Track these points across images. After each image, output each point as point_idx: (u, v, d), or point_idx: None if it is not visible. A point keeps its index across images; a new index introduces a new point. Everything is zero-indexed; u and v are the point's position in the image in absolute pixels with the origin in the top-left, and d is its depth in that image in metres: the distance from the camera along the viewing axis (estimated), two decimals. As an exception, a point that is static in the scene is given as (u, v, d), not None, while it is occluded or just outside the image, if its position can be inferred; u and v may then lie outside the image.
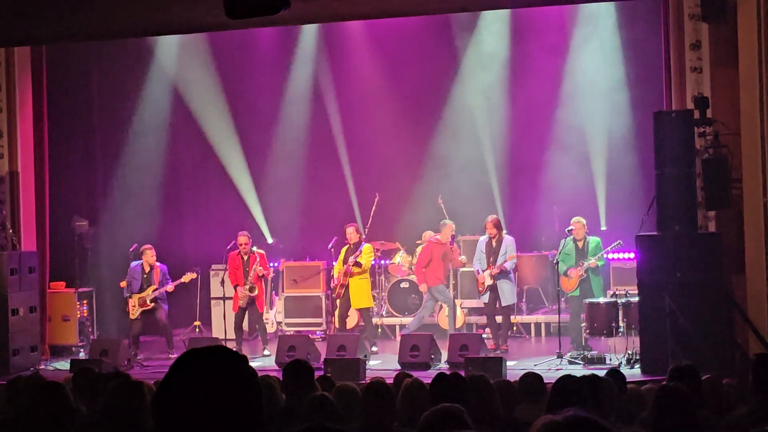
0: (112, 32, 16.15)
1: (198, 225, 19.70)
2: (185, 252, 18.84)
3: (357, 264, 16.16)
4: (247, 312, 16.49)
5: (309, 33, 19.46)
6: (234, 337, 16.27)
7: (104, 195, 19.43)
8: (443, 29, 19.04)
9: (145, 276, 16.41)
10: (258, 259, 16.29)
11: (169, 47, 19.41)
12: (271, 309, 18.11)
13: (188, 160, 20.06)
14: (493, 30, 18.94)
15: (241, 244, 16.31)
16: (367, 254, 16.26)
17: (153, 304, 16.29)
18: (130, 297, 16.38)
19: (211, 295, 17.88)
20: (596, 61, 18.35)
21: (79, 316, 17.19)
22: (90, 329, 17.40)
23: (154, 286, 16.31)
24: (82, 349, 16.86)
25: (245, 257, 16.32)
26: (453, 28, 19.05)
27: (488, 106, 18.97)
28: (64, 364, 15.35)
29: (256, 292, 16.25)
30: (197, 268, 16.73)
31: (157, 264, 16.48)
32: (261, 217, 19.45)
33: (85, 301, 17.43)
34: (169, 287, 16.33)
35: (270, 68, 19.74)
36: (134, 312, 16.32)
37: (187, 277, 16.47)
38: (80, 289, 17.35)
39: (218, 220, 19.35)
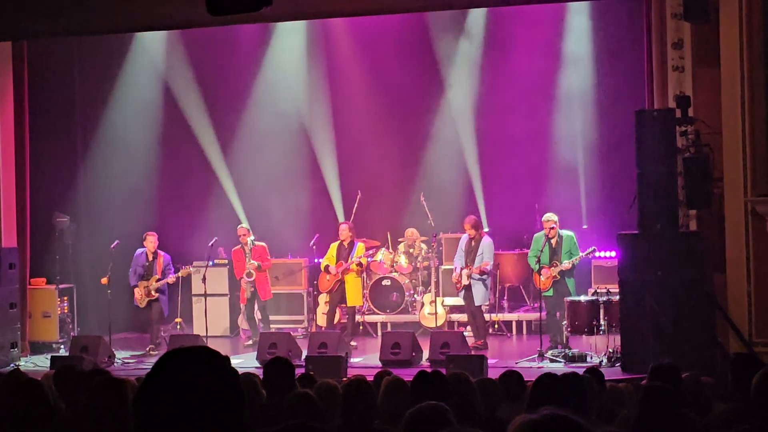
0: (94, 29, 16.12)
1: (180, 222, 19.63)
2: (167, 249, 18.74)
3: (360, 264, 16.59)
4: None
5: (292, 29, 19.42)
6: (223, 332, 16.30)
7: (85, 191, 19.35)
8: (427, 27, 19.00)
9: (147, 264, 16.51)
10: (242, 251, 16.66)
11: (151, 43, 19.36)
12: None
13: (170, 158, 19.98)
14: (476, 29, 18.94)
15: (239, 236, 16.97)
16: (363, 252, 16.70)
17: (157, 294, 16.42)
18: (137, 286, 16.50)
19: (193, 292, 17.82)
20: (579, 60, 18.37)
21: (59, 312, 17.12)
22: (71, 326, 17.33)
23: (157, 276, 16.37)
24: (62, 346, 16.79)
25: (247, 249, 16.82)
26: (437, 26, 19.02)
27: (471, 104, 18.96)
28: (44, 361, 15.29)
29: (254, 277, 16.69)
30: (188, 266, 16.87)
31: (161, 252, 16.63)
32: (242, 214, 19.40)
33: (65, 298, 17.36)
34: (170, 279, 16.44)
35: (251, 65, 19.69)
36: (142, 302, 16.49)
37: (184, 272, 16.67)
38: (61, 286, 17.28)
39: (200, 218, 19.30)
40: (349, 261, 16.50)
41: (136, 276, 16.57)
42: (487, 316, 16.76)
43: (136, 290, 16.55)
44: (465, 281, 15.94)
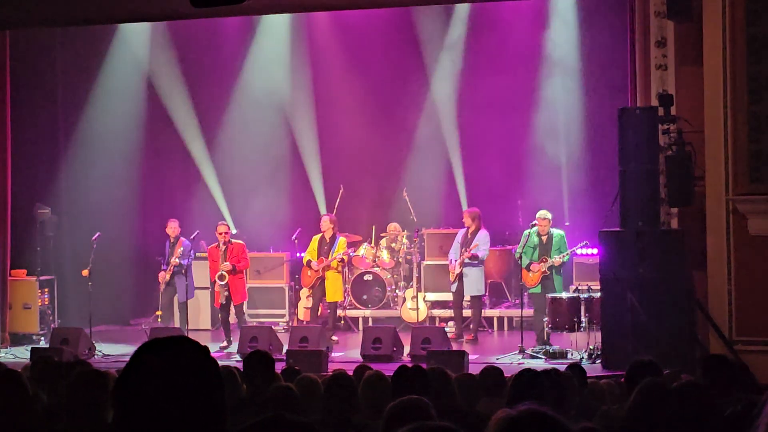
0: (77, 19, 16.06)
1: (162, 214, 19.54)
2: (148, 241, 18.76)
3: (341, 260, 16.49)
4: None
5: (276, 23, 19.37)
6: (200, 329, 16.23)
7: (67, 183, 19.24)
8: (411, 20, 18.98)
9: (169, 250, 16.60)
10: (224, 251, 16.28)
11: (135, 34, 19.24)
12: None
13: (152, 150, 19.90)
14: (460, 23, 18.93)
15: (220, 233, 16.29)
16: (344, 248, 16.50)
17: (169, 278, 16.49)
18: (163, 271, 16.62)
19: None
20: (562, 57, 18.37)
21: (40, 304, 17.06)
22: (51, 318, 17.27)
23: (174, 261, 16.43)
24: (42, 338, 16.74)
25: (223, 248, 16.24)
26: (422, 19, 19.00)
27: (455, 99, 18.96)
28: (24, 353, 15.23)
29: (226, 281, 16.13)
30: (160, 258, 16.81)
31: (182, 239, 16.57)
32: (225, 207, 19.36)
33: (46, 290, 17.29)
34: (174, 261, 16.38)
35: (235, 58, 19.64)
36: (162, 285, 16.55)
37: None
38: (41, 277, 17.21)
39: (182, 210, 19.21)
40: (330, 258, 16.39)
41: (164, 262, 16.70)
42: (469, 312, 16.73)
43: (159, 274, 16.63)
44: (457, 270, 16.05)
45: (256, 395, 7.30)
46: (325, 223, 16.56)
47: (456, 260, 16.20)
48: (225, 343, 16.03)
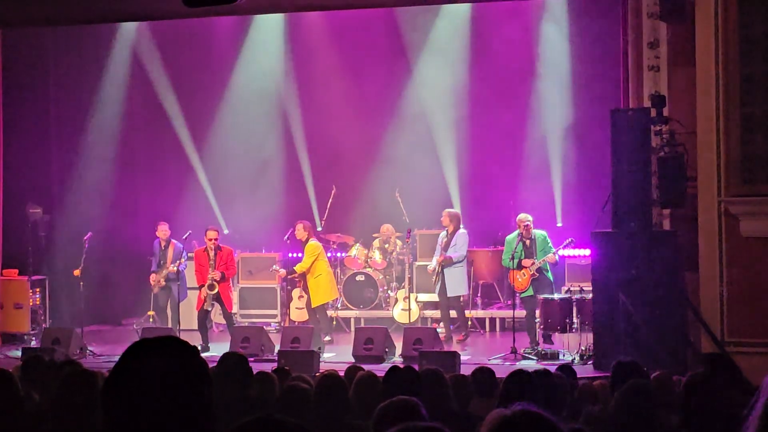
0: (69, 18, 16.04)
1: (154, 214, 19.53)
2: (140, 241, 18.70)
3: (292, 271, 16.39)
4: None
5: (267, 23, 19.37)
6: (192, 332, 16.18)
7: (59, 182, 19.22)
8: (401, 21, 18.99)
9: (160, 253, 16.61)
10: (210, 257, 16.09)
11: (127, 34, 19.24)
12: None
13: (145, 149, 19.91)
14: (451, 23, 18.93)
15: (210, 239, 15.87)
16: (307, 255, 16.14)
17: (166, 282, 16.51)
18: (154, 272, 16.62)
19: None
20: (554, 58, 18.40)
21: (31, 304, 17.04)
22: (42, 317, 17.25)
23: (167, 265, 16.41)
24: (34, 338, 16.71)
25: (212, 253, 15.91)
26: (411, 20, 19.01)
27: (446, 99, 18.96)
28: (15, 353, 15.21)
29: (216, 290, 15.85)
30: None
31: (173, 241, 16.57)
32: (217, 207, 19.34)
33: (38, 289, 17.28)
34: (172, 268, 16.39)
35: (227, 58, 19.63)
36: (155, 288, 16.62)
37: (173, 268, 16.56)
38: (33, 277, 17.19)
39: (174, 210, 19.19)
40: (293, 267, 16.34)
41: (155, 263, 16.72)
42: (454, 314, 16.68)
43: (152, 276, 16.62)
44: (437, 268, 16.12)
45: (237, 396, 7.27)
46: (300, 231, 16.22)
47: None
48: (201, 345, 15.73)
